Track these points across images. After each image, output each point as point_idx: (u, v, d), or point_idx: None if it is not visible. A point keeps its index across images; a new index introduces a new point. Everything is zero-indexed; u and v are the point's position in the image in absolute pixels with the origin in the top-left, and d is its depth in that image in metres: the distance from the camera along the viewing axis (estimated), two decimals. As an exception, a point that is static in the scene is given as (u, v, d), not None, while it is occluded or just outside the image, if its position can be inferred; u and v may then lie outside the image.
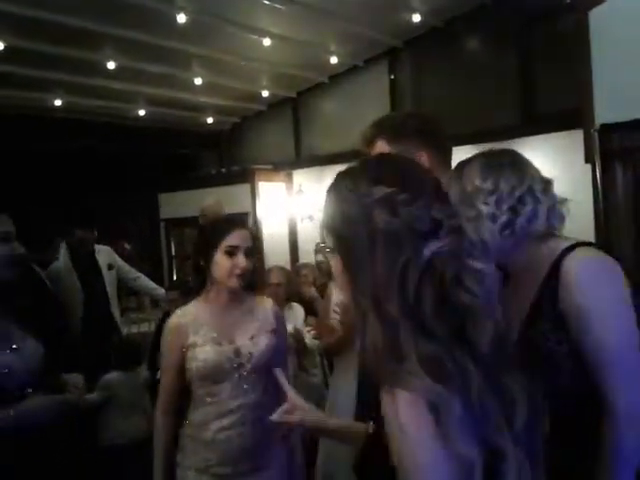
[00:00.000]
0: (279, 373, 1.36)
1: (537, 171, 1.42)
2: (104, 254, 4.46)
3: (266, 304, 2.23)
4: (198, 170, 8.51)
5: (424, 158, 1.51)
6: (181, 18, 4.97)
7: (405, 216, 0.78)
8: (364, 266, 0.78)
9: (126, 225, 8.32)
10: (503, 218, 1.33)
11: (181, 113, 7.42)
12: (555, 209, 1.39)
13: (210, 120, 7.90)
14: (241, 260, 2.04)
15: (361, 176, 0.84)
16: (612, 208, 4.73)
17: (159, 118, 7.44)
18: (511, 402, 0.78)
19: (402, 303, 0.76)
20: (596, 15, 4.69)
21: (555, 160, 5.43)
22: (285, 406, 1.25)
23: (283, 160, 7.71)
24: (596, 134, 4.71)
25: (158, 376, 2.91)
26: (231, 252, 2.04)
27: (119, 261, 4.65)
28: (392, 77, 6.86)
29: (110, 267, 4.44)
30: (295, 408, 1.25)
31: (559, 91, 5.31)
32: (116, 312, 4.48)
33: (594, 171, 4.82)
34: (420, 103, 6.56)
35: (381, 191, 0.79)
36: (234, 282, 2.06)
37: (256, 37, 5.68)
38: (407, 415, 0.74)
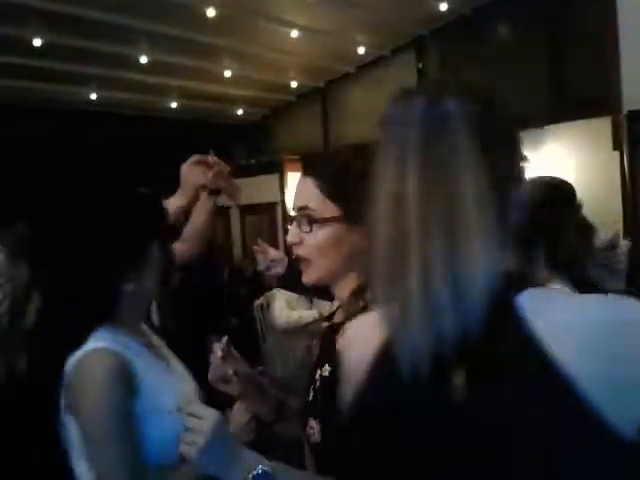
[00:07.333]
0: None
1: None
2: None
3: None
4: (229, 162, 8.61)
5: None
6: (210, 12, 5.10)
7: None
8: None
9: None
10: None
11: (212, 105, 7.55)
12: None
13: (240, 112, 8.02)
14: None
15: None
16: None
17: (190, 110, 7.59)
18: None
19: None
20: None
21: (582, 147, 5.38)
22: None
23: (312, 150, 7.78)
24: (624, 121, 4.66)
25: None
26: None
27: None
28: (419, 66, 6.85)
29: None
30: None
31: (587, 77, 5.25)
32: None
33: (622, 157, 4.76)
34: (448, 91, 6.52)
35: None
36: None
37: (283, 29, 5.76)
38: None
